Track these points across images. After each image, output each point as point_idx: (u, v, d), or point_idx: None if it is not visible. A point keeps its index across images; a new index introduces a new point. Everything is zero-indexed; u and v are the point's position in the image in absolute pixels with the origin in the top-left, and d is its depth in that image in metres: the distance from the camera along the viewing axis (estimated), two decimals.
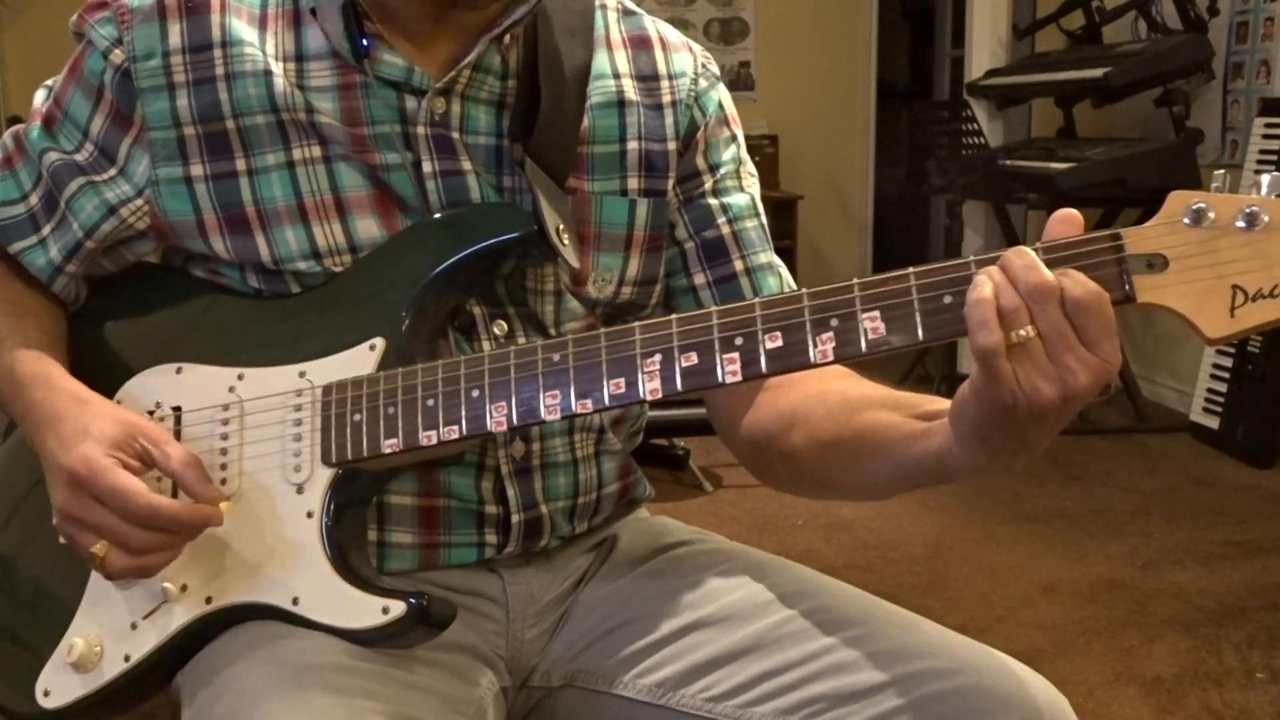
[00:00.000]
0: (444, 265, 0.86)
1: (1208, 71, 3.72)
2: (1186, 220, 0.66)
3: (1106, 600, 2.38)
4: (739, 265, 0.98)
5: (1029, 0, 4.79)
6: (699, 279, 0.98)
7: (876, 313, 0.71)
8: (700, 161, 0.98)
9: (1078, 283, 0.66)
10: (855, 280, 0.72)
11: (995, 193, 4.10)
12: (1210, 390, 3.55)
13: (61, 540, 0.83)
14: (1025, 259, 0.67)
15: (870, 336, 0.71)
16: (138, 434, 0.82)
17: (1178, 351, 3.94)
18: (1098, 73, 3.69)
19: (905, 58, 6.98)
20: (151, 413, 0.89)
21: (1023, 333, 0.66)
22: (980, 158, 4.00)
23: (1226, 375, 3.47)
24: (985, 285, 0.66)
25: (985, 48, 4.64)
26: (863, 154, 5.70)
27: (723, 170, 0.99)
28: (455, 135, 0.89)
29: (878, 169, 5.77)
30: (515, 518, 0.92)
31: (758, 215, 1.00)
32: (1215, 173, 0.69)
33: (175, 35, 0.88)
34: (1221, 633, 2.20)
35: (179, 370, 0.90)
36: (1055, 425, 0.69)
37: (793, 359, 0.73)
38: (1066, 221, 0.70)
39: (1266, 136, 3.40)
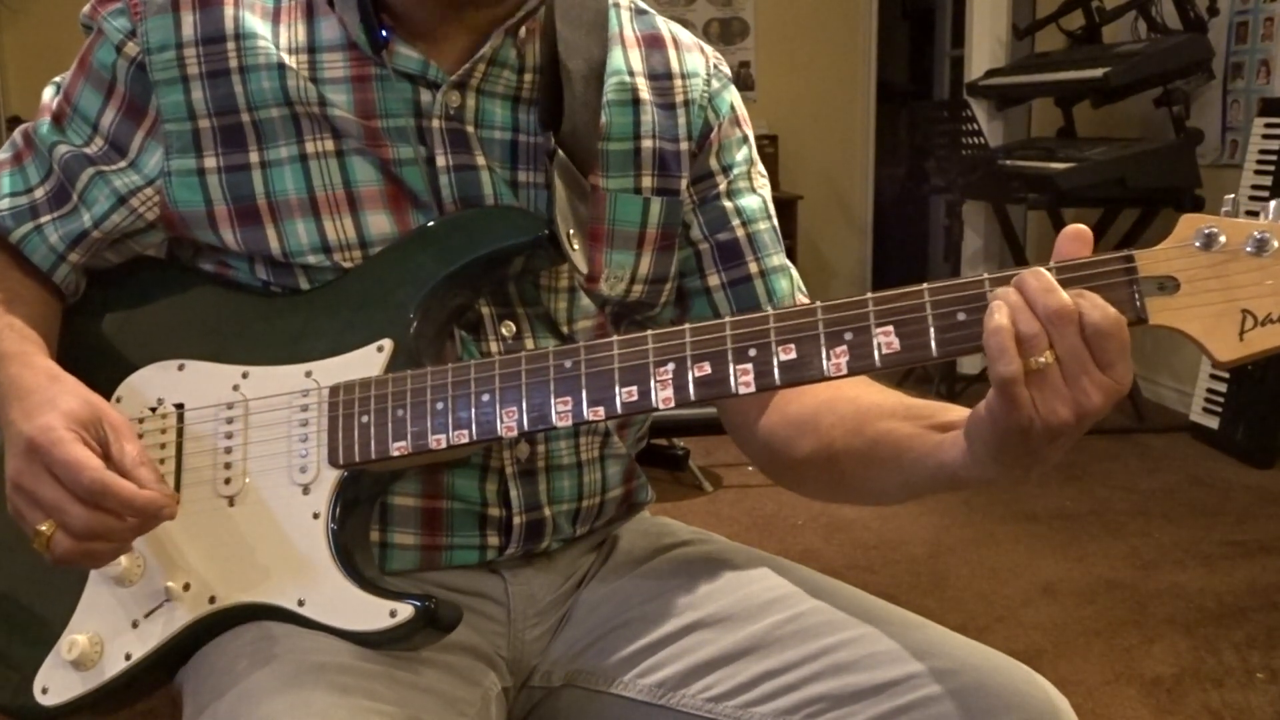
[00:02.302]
0: (453, 268, 0.86)
1: (1207, 71, 3.72)
2: (1197, 244, 0.67)
3: (1106, 600, 2.39)
4: (754, 268, 0.98)
5: (1029, 0, 4.79)
6: (713, 280, 0.98)
7: (891, 327, 0.71)
8: (714, 163, 0.98)
9: (1096, 306, 0.66)
10: (869, 295, 0.72)
11: (995, 193, 4.10)
12: (1210, 390, 3.55)
13: (10, 513, 0.81)
14: (1043, 281, 0.67)
15: (884, 351, 0.71)
16: (104, 420, 0.81)
17: (1178, 352, 3.94)
18: (1098, 72, 3.69)
19: (905, 58, 6.97)
20: (153, 410, 0.89)
21: (1041, 360, 0.66)
22: (980, 158, 4.00)
23: (1226, 376, 3.47)
24: (1002, 311, 0.67)
25: (985, 48, 4.64)
26: (863, 154, 5.70)
27: (735, 171, 0.99)
28: (470, 130, 0.89)
29: (878, 169, 5.76)
30: (517, 519, 0.92)
31: (769, 217, 1.01)
32: (1226, 196, 0.70)
33: (189, 27, 0.88)
34: (1221, 633, 2.20)
35: (181, 367, 0.90)
36: (1068, 442, 0.69)
37: (806, 371, 0.73)
38: (1076, 239, 0.70)
39: (1266, 136, 3.40)
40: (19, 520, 0.80)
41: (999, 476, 0.73)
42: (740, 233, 0.98)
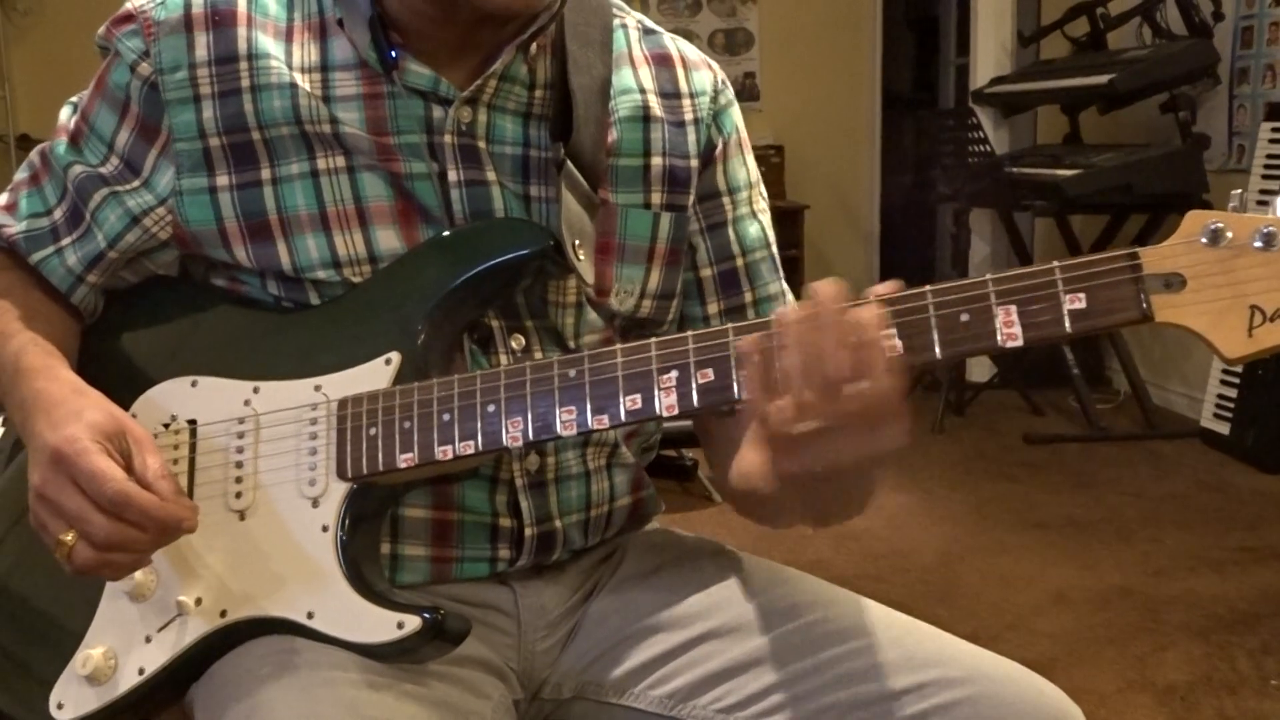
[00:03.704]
0: (459, 280, 0.86)
1: (1213, 77, 3.72)
2: (1204, 240, 0.66)
3: (1118, 607, 2.38)
4: (748, 297, 1.01)
5: (1033, 7, 4.80)
6: (712, 308, 1.00)
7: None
8: (720, 182, 0.99)
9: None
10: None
11: (1002, 200, 4.10)
12: (1220, 396, 3.54)
13: (32, 523, 0.81)
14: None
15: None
16: (127, 433, 0.82)
17: (1188, 358, 3.93)
18: (1103, 79, 3.69)
19: (910, 66, 6.98)
20: (167, 425, 0.90)
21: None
22: (986, 165, 4.00)
23: (1236, 381, 3.46)
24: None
25: (990, 55, 4.65)
26: (868, 163, 5.70)
27: (740, 195, 1.01)
28: (481, 145, 0.90)
29: (884, 178, 5.76)
30: (529, 531, 0.92)
31: (768, 245, 1.02)
32: (1232, 192, 0.69)
33: (202, 47, 0.89)
34: (1235, 639, 2.19)
35: (194, 383, 0.91)
36: (872, 416, 0.68)
37: None
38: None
39: (1273, 141, 3.40)
40: (41, 530, 0.81)
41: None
42: (740, 263, 1.00)
